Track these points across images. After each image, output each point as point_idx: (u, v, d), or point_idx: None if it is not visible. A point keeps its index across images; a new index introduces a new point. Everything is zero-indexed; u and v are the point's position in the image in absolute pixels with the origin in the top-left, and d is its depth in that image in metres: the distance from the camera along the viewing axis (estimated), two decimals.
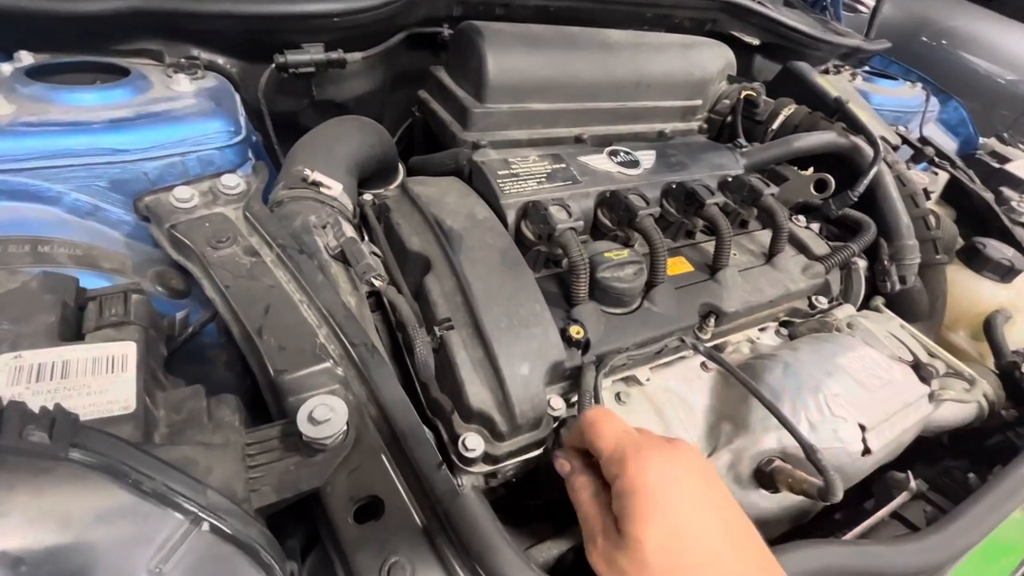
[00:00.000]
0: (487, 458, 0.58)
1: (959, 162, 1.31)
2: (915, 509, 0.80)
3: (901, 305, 0.95)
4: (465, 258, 0.64)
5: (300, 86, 0.90)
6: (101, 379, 0.41)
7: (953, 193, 1.28)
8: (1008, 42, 2.65)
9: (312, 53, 0.83)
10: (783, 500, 0.71)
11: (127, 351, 0.43)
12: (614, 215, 0.79)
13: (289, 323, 0.54)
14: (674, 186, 0.86)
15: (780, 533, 0.77)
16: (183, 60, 0.75)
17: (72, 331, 0.44)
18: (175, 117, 0.65)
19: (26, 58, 0.69)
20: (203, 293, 0.59)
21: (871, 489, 0.84)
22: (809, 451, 0.60)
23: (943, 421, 0.81)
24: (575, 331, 0.65)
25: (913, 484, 0.80)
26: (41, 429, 0.32)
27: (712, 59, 1.13)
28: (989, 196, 1.23)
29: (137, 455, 0.33)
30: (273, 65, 0.82)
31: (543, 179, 0.79)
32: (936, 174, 1.29)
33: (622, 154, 0.89)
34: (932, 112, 1.52)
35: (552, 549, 0.73)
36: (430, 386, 0.60)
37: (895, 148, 1.18)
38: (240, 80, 0.84)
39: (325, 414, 0.45)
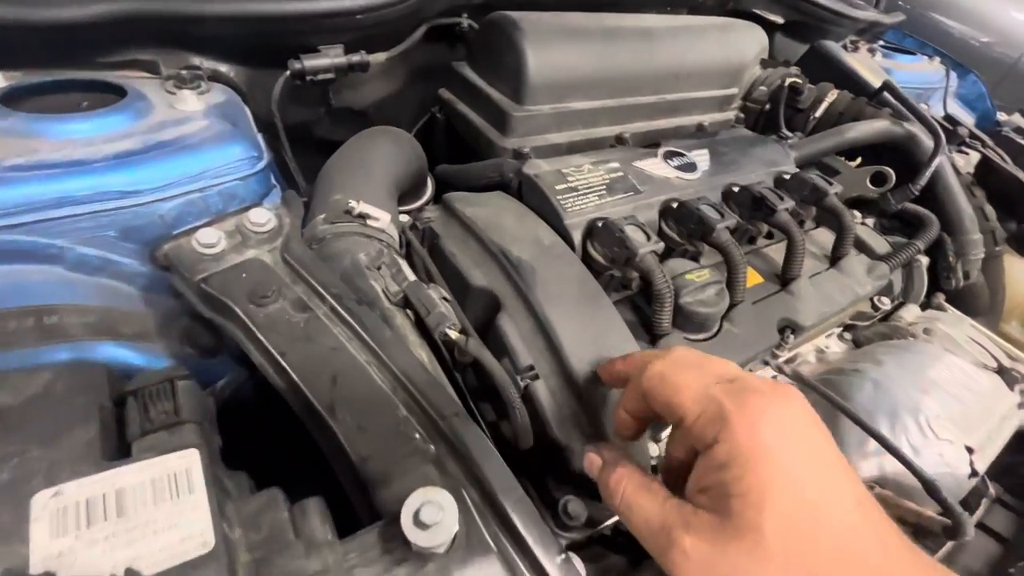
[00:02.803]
0: (589, 522, 0.52)
1: (989, 141, 1.27)
2: (995, 517, 0.78)
3: (962, 300, 0.92)
4: (543, 295, 0.57)
5: (316, 94, 0.79)
6: (166, 508, 0.33)
7: (983, 173, 1.25)
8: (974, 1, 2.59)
9: (332, 57, 0.72)
10: None
11: (190, 463, 0.35)
12: (683, 228, 0.72)
13: (363, 395, 0.46)
14: (735, 189, 0.80)
15: None
16: (183, 72, 0.64)
17: (115, 444, 0.36)
18: (190, 145, 0.55)
19: None
20: (234, 345, 0.50)
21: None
22: (931, 488, 0.56)
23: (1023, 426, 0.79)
24: None
25: (992, 490, 0.77)
26: None
27: (749, 43, 1.06)
28: (1021, 175, 1.21)
29: None
30: (288, 72, 0.71)
31: (603, 191, 0.71)
32: (967, 154, 1.26)
33: (678, 156, 0.82)
34: (952, 88, 1.48)
35: None
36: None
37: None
38: (247, 90, 0.73)
39: (434, 515, 0.38)
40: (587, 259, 0.66)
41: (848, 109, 1.02)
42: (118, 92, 0.59)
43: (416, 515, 0.38)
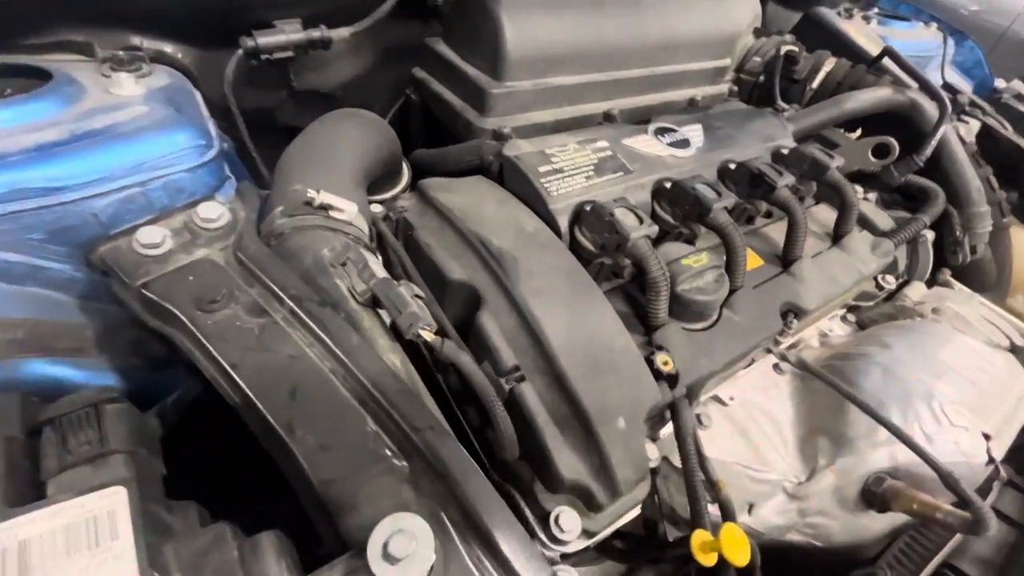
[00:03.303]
0: (584, 534, 0.48)
1: (989, 108, 1.23)
2: (1006, 500, 0.75)
3: (968, 275, 0.88)
4: (526, 288, 0.51)
5: (274, 75, 0.72)
6: (83, 560, 0.28)
7: (983, 142, 1.21)
8: None
9: (289, 32, 0.65)
10: (893, 519, 0.63)
11: (115, 503, 0.30)
12: (678, 209, 0.67)
13: (326, 409, 0.41)
14: (732, 167, 0.75)
15: (880, 549, 0.70)
16: (120, 53, 0.58)
17: (26, 483, 0.30)
18: (124, 134, 0.49)
19: None
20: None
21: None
22: (949, 480, 0.52)
23: None
24: (662, 361, 0.54)
25: (1003, 473, 0.74)
26: None
27: (741, 11, 1.00)
28: (1022, 142, 1.16)
29: None
30: (240, 51, 0.64)
31: (591, 172, 0.66)
32: (967, 123, 1.21)
33: (670, 133, 0.77)
34: (950, 55, 1.43)
35: None
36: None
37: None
38: (198, 73, 0.67)
39: (406, 547, 0.33)
40: (575, 246, 0.61)
41: (847, 78, 0.97)
42: (43, 77, 0.52)
43: (385, 547, 0.33)
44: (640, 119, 0.82)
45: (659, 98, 0.92)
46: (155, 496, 0.34)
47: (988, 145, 1.20)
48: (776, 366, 0.72)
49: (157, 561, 0.30)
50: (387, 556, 0.33)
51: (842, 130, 0.95)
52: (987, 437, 0.60)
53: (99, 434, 0.33)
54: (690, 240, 0.69)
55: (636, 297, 0.61)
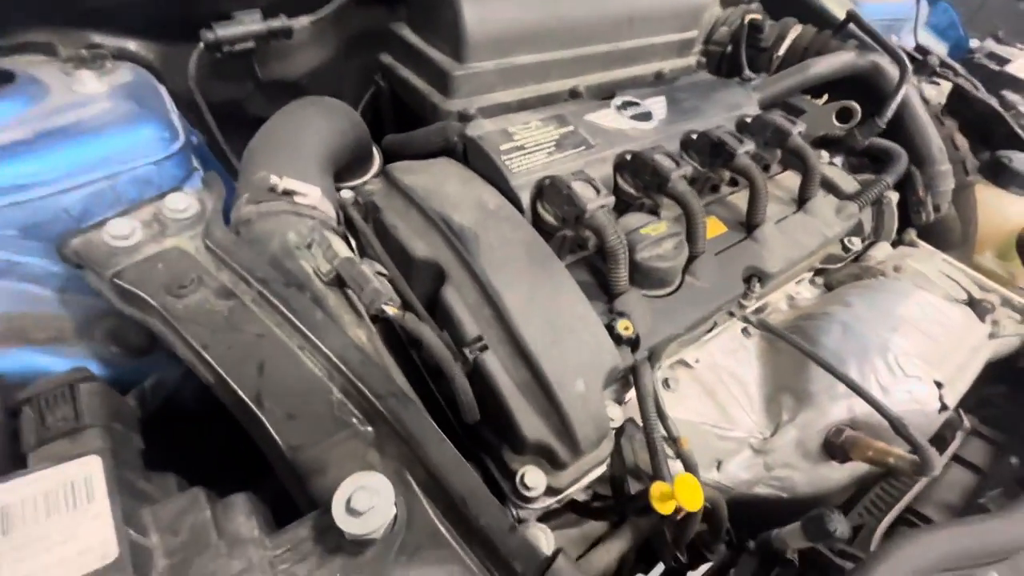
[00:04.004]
0: (550, 491, 0.51)
1: (961, 69, 1.23)
2: (971, 448, 0.78)
3: (933, 234, 0.90)
4: (487, 261, 0.54)
5: (239, 67, 0.73)
6: (62, 520, 0.30)
7: (955, 103, 1.22)
8: None
9: (248, 23, 0.66)
10: (855, 469, 0.66)
11: (90, 470, 0.32)
12: (639, 180, 0.68)
13: (293, 381, 0.43)
14: (694, 137, 0.76)
15: (845, 499, 0.73)
16: (83, 51, 0.59)
17: (8, 457, 0.33)
18: (88, 130, 0.51)
19: None
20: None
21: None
22: (897, 425, 0.55)
23: (995, 355, 0.78)
24: (623, 327, 0.57)
25: (967, 422, 0.77)
26: None
27: None
28: (993, 102, 1.17)
29: None
30: (201, 44, 0.65)
31: (552, 148, 0.68)
32: (938, 84, 1.22)
33: (631, 106, 0.78)
34: (923, 17, 1.43)
35: (611, 551, 0.68)
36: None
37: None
38: (162, 68, 0.68)
39: (367, 501, 0.36)
40: (538, 221, 0.63)
41: (812, 44, 0.97)
42: (6, 79, 0.53)
43: (348, 502, 0.36)
44: (607, 95, 0.83)
45: (625, 73, 0.93)
46: (132, 466, 0.37)
47: (961, 106, 1.21)
48: (744, 330, 0.74)
49: (134, 521, 0.33)
50: (351, 510, 0.36)
51: (809, 96, 0.97)
52: (939, 385, 0.62)
53: (74, 410, 0.35)
54: (653, 211, 0.71)
55: (599, 267, 0.63)
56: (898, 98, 0.83)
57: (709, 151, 0.74)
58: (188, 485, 0.42)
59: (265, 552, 0.35)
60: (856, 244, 0.84)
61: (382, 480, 0.37)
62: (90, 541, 0.30)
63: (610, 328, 0.56)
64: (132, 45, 0.66)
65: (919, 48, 1.31)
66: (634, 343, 0.57)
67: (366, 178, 0.79)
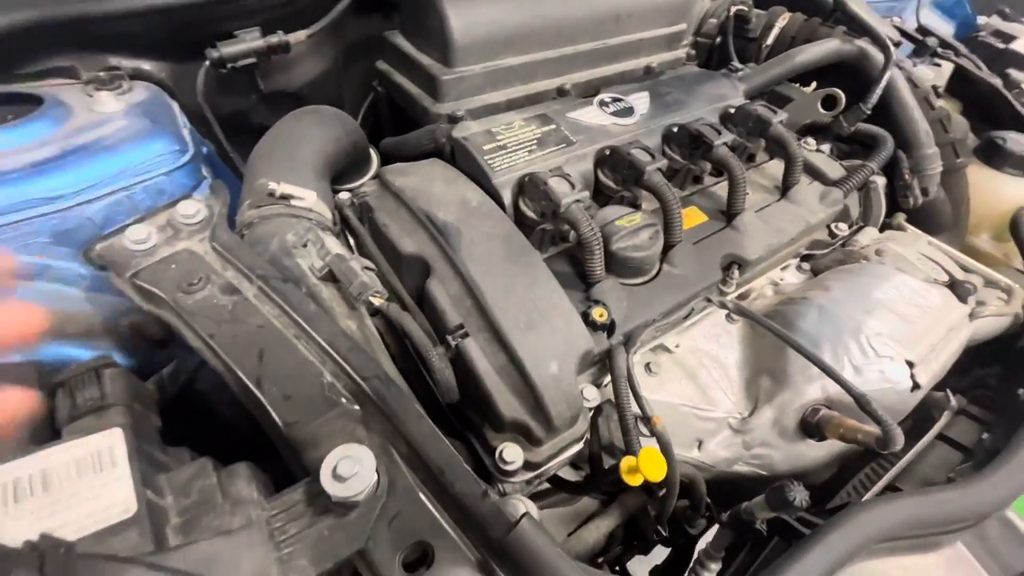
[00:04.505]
0: (528, 466, 0.55)
1: (963, 49, 1.22)
2: (959, 428, 0.79)
3: (923, 218, 0.90)
4: (467, 255, 0.58)
5: (243, 81, 0.79)
6: (90, 481, 0.36)
7: (958, 83, 1.20)
8: None
9: (249, 41, 0.72)
10: (832, 447, 0.69)
11: (113, 441, 0.38)
12: (617, 175, 0.72)
13: (289, 366, 0.48)
14: (675, 130, 0.79)
15: (828, 476, 0.76)
16: (102, 73, 0.65)
17: (47, 430, 0.39)
18: (107, 147, 0.57)
19: None
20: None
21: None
22: (862, 401, 0.57)
23: (980, 336, 0.79)
24: (598, 314, 0.60)
25: (953, 402, 0.78)
26: (30, 570, 0.27)
27: None
28: (997, 81, 1.16)
29: None
30: (207, 62, 0.71)
31: (533, 146, 0.71)
32: (939, 65, 1.21)
33: (613, 102, 0.81)
34: None
35: (600, 528, 0.72)
36: (455, 401, 0.55)
37: (896, 45, 1.09)
38: (174, 85, 0.74)
39: (350, 468, 0.40)
40: (520, 216, 0.67)
41: (800, 32, 0.98)
42: (36, 102, 0.60)
43: (335, 470, 0.41)
44: (595, 91, 0.86)
45: (613, 69, 0.95)
46: (150, 439, 0.42)
47: (964, 87, 1.20)
48: (728, 316, 0.77)
49: (151, 484, 0.38)
50: (336, 476, 0.40)
51: (797, 84, 0.98)
52: (911, 364, 0.64)
53: (100, 391, 0.41)
54: (633, 203, 0.74)
55: (579, 258, 0.67)
56: (882, 83, 0.84)
57: (689, 143, 0.77)
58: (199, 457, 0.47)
59: (263, 512, 0.40)
60: (843, 229, 0.86)
61: (364, 450, 0.42)
62: (114, 499, 0.35)
63: (586, 315, 0.60)
64: (146, 65, 0.72)
65: (920, 28, 1.29)
66: (609, 328, 0.61)
67: (364, 180, 0.84)
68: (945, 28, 1.47)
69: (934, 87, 1.05)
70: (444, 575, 0.41)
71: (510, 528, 0.41)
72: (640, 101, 0.83)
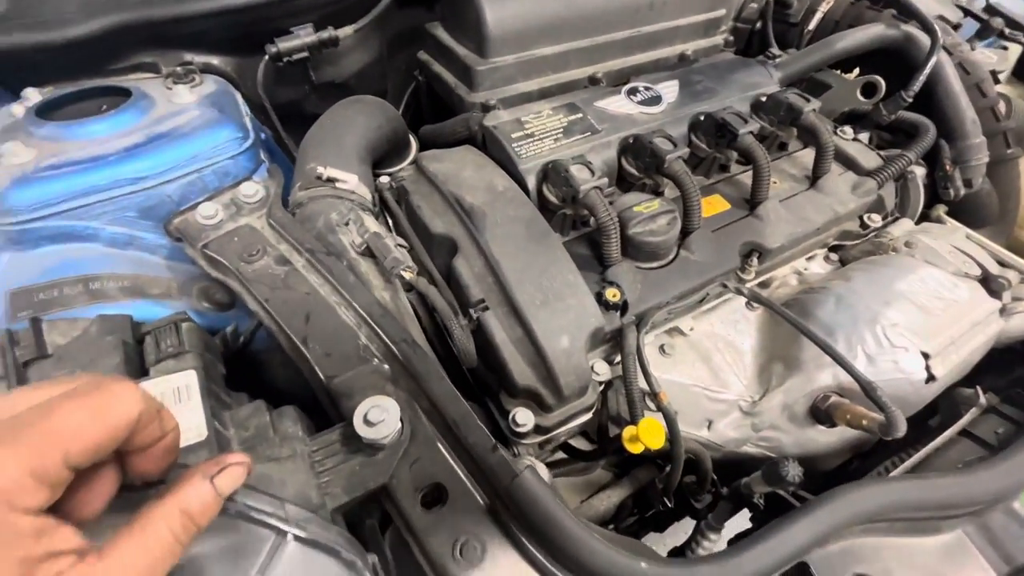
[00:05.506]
0: (538, 429, 0.60)
1: None
2: (986, 425, 0.77)
3: (967, 211, 0.87)
4: (491, 236, 0.63)
5: (297, 73, 0.87)
6: (172, 410, 0.44)
7: None
8: None
9: (303, 36, 0.79)
10: (842, 434, 0.70)
11: (189, 380, 0.46)
12: (639, 162, 0.74)
13: (330, 328, 0.55)
14: (702, 118, 0.80)
15: (840, 463, 0.77)
16: (178, 68, 0.74)
17: (136, 367, 0.47)
18: (184, 134, 0.65)
19: (32, 95, 0.70)
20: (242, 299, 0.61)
21: (937, 406, 0.81)
22: (867, 388, 0.58)
23: (1017, 332, 0.76)
24: (611, 294, 0.64)
25: (983, 399, 0.76)
26: None
27: None
28: None
29: None
30: (267, 56, 0.79)
31: (560, 134, 0.75)
32: (1006, 48, 1.13)
33: (641, 91, 0.83)
34: None
35: (612, 497, 0.76)
36: (476, 368, 0.61)
37: (956, 27, 1.03)
38: (238, 78, 0.82)
39: (379, 415, 0.47)
40: (543, 201, 0.71)
41: (845, 16, 0.96)
42: (126, 94, 0.69)
43: (365, 416, 0.47)
44: (627, 80, 0.88)
45: (647, 57, 0.96)
46: (216, 382, 0.50)
47: None
48: (748, 304, 0.78)
49: (218, 417, 0.46)
50: (367, 422, 0.47)
51: (839, 72, 0.95)
52: (926, 356, 0.64)
53: (178, 340, 0.49)
54: (655, 191, 0.77)
55: (598, 242, 0.71)
56: (926, 70, 0.81)
57: (715, 132, 0.78)
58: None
59: (305, 447, 0.47)
60: (876, 221, 0.84)
61: (391, 402, 0.48)
62: (189, 425, 0.43)
63: (599, 295, 0.64)
64: (215, 60, 0.80)
65: (988, 7, 1.21)
66: (622, 308, 0.65)
67: (403, 165, 0.90)
68: (1020, 8, 1.36)
69: (993, 72, 1.00)
70: (457, 512, 0.48)
71: (514, 477, 0.47)
72: (669, 90, 0.84)
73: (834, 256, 0.86)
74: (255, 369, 0.70)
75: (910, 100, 0.83)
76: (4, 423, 0.28)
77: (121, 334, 0.48)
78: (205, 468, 0.35)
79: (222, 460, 0.36)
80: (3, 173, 0.58)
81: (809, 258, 0.85)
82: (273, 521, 0.38)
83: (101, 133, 0.64)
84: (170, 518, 0.32)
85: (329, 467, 0.47)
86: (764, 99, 0.84)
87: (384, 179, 0.78)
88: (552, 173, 0.69)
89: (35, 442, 0.27)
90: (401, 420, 0.48)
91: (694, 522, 0.74)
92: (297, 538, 0.39)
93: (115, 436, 0.30)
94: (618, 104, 0.81)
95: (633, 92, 0.82)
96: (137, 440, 0.32)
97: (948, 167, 0.82)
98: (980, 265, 0.74)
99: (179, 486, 0.34)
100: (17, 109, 0.67)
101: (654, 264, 0.70)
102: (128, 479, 0.35)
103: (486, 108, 0.83)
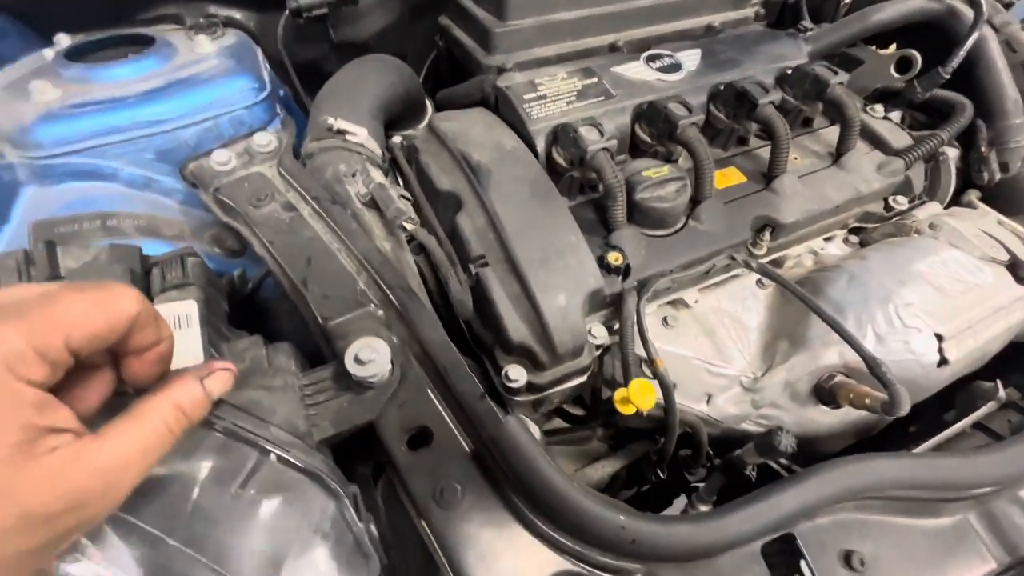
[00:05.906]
0: (531, 387, 0.60)
1: None
2: (1001, 419, 0.74)
3: (1002, 197, 0.83)
4: (495, 193, 0.63)
5: (317, 31, 0.87)
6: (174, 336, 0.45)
7: None
8: None
9: None
10: (845, 415, 0.68)
11: (190, 309, 0.48)
12: (653, 129, 0.73)
13: (330, 272, 0.56)
14: (722, 88, 0.77)
15: (843, 447, 0.75)
16: (202, 20, 0.75)
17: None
18: (202, 81, 0.67)
19: (63, 40, 0.72)
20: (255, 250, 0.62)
21: (955, 399, 0.78)
22: (872, 363, 0.56)
23: None
24: (613, 257, 0.63)
25: (1002, 393, 0.73)
26: None
27: None
28: None
29: None
30: (287, 12, 0.80)
31: (572, 98, 0.74)
32: None
33: (661, 58, 0.81)
34: None
35: (606, 467, 0.76)
36: (472, 322, 0.61)
37: (1008, 5, 0.97)
38: (259, 33, 0.83)
39: (369, 355, 0.48)
40: (552, 163, 0.70)
41: None
42: (150, 42, 0.71)
43: (356, 355, 0.48)
44: (648, 49, 0.85)
45: (671, 27, 0.93)
46: (218, 316, 0.52)
47: None
48: (759, 282, 0.76)
49: (215, 347, 0.48)
50: (357, 360, 0.48)
51: (873, 47, 0.91)
52: (940, 338, 0.62)
53: (183, 273, 0.51)
54: (667, 158, 0.75)
55: (605, 206, 0.70)
56: (967, 45, 0.77)
57: (734, 102, 0.75)
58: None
59: (297, 381, 0.48)
60: (901, 203, 0.81)
61: (382, 343, 0.49)
62: (187, 349, 0.45)
63: (601, 258, 0.63)
64: (237, 14, 0.82)
65: None
66: (624, 272, 0.64)
67: (419, 127, 0.90)
68: None
69: None
70: (441, 455, 0.48)
71: (498, 425, 0.47)
72: (690, 58, 0.82)
73: (854, 238, 0.83)
74: (263, 317, 0.72)
75: (947, 77, 0.79)
76: (10, 304, 0.29)
77: (129, 263, 0.50)
78: (195, 371, 0.37)
79: (211, 365, 0.38)
80: (31, 108, 0.60)
81: (827, 239, 0.82)
82: (258, 440, 0.40)
83: (124, 76, 0.66)
84: (164, 409, 0.34)
85: (319, 401, 0.48)
86: (790, 72, 0.81)
87: (397, 139, 0.79)
88: (561, 134, 0.68)
89: (39, 321, 0.29)
90: (392, 362, 0.49)
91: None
92: (280, 459, 0.40)
93: (114, 328, 0.32)
94: (636, 70, 0.79)
95: (652, 59, 0.80)
96: (134, 341, 0.34)
97: (984, 148, 0.78)
98: (1009, 250, 0.70)
99: (171, 383, 0.35)
100: (48, 53, 0.70)
101: (660, 232, 0.69)
102: (122, 386, 0.37)
103: (501, 71, 0.83)
